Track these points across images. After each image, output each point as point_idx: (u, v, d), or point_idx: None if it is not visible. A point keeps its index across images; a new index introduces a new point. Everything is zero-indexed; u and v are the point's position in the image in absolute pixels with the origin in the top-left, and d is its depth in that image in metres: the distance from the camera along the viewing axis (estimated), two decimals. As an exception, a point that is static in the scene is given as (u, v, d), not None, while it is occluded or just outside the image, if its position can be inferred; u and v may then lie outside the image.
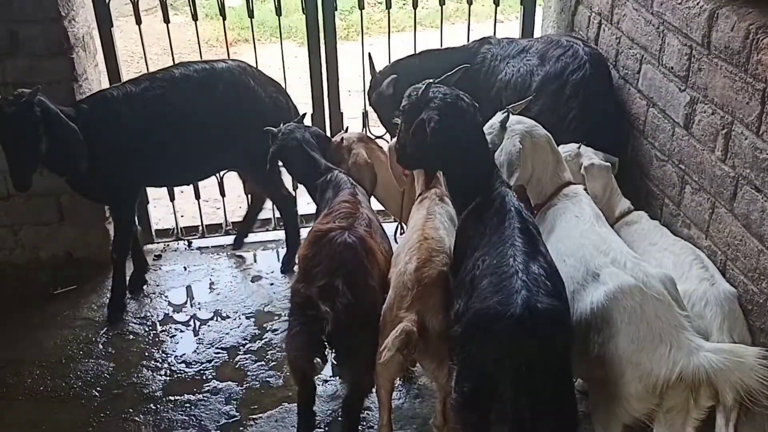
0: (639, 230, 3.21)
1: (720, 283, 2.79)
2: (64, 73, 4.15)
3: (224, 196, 4.92)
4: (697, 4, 2.92)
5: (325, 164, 3.60)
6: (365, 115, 4.88)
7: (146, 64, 4.50)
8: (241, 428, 3.45)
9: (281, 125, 3.75)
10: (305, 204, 5.06)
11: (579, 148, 3.38)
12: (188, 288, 4.56)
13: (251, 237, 5.03)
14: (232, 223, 5.05)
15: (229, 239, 4.98)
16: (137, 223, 4.57)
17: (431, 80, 2.79)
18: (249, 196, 4.85)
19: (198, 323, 4.22)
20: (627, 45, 3.60)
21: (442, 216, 3.08)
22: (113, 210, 4.27)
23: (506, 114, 3.10)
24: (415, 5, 4.63)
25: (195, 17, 4.51)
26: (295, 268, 3.14)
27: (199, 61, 4.26)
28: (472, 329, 2.30)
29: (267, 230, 5.07)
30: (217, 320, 4.22)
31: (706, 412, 2.41)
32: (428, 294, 2.68)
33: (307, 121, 4.69)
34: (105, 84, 4.48)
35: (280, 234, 4.80)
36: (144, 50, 4.59)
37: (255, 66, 4.38)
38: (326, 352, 2.89)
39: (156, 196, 5.05)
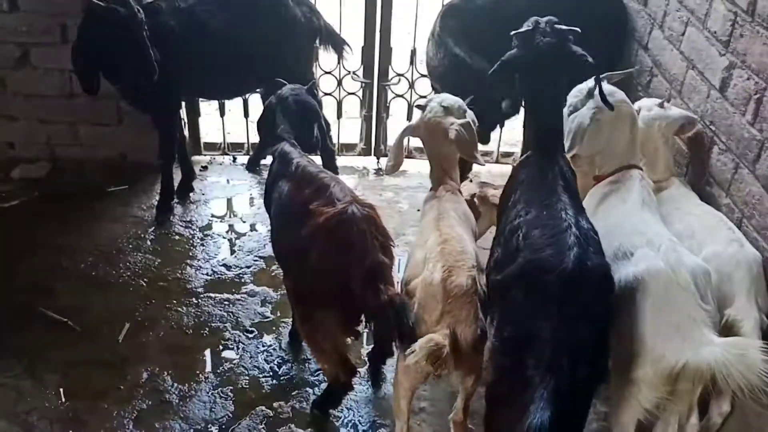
0: (667, 195, 3.28)
1: (747, 247, 2.85)
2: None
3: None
4: (748, -28, 3.05)
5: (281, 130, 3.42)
6: (413, 52, 5.04)
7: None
8: (274, 328, 3.75)
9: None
10: (345, 133, 5.32)
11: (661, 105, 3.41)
12: (230, 200, 4.85)
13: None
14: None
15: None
16: (184, 133, 4.85)
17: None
18: None
19: (238, 232, 4.51)
20: (675, 7, 3.73)
21: (456, 212, 3.00)
22: (155, 118, 4.46)
23: (596, 84, 3.07)
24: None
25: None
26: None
27: None
28: (522, 278, 2.38)
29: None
30: (256, 231, 4.51)
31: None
32: (459, 306, 2.54)
33: (355, 58, 4.90)
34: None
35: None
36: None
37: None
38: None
39: (207, 111, 5.29)
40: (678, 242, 2.69)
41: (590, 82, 3.17)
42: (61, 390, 3.31)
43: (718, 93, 3.28)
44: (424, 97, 5.03)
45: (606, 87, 3.13)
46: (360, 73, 5.09)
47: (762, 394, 2.21)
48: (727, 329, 2.65)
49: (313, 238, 2.75)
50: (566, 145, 3.05)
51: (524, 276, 2.37)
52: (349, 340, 3.04)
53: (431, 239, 2.76)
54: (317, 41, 4.59)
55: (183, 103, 4.81)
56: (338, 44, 4.68)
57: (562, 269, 2.26)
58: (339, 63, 4.93)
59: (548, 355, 2.19)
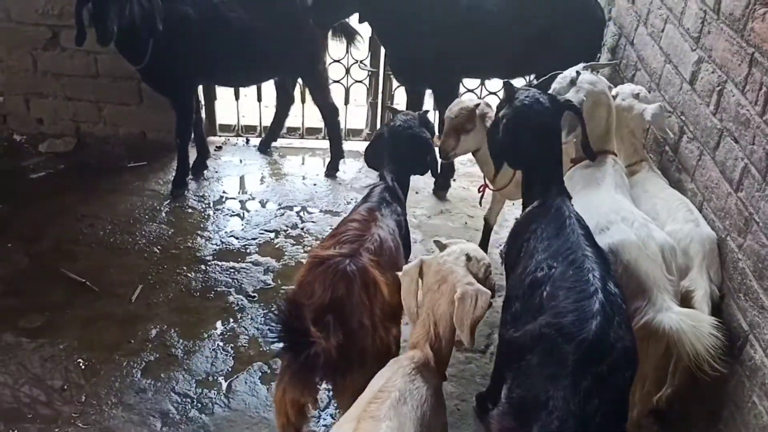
0: (638, 179, 3.50)
1: (703, 226, 3.14)
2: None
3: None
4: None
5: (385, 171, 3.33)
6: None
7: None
8: (274, 294, 4.05)
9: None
10: (352, 118, 5.61)
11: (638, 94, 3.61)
12: (242, 178, 5.18)
13: (302, 143, 5.61)
14: (287, 128, 5.60)
15: (283, 141, 5.55)
16: (201, 115, 5.16)
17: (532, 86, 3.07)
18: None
19: (247, 207, 4.83)
20: (657, 5, 3.97)
21: (405, 398, 2.17)
22: (172, 100, 4.75)
23: (577, 73, 3.35)
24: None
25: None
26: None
27: None
28: (539, 341, 2.25)
29: (317, 138, 5.62)
30: (263, 207, 4.83)
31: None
32: None
33: (362, 47, 5.15)
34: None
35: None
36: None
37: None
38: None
39: (222, 95, 5.61)
40: (649, 220, 2.99)
41: (572, 71, 3.43)
42: (78, 342, 3.64)
43: (688, 85, 3.51)
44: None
45: (589, 76, 3.41)
46: (367, 62, 5.39)
47: (704, 363, 2.51)
48: (682, 299, 2.91)
49: (304, 271, 2.72)
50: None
51: (541, 339, 2.25)
52: (302, 404, 2.56)
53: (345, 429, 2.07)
54: (330, 32, 4.86)
55: (200, 87, 5.12)
56: (350, 34, 4.96)
57: (581, 339, 2.13)
58: (348, 52, 5.22)
59: (555, 426, 2.08)
